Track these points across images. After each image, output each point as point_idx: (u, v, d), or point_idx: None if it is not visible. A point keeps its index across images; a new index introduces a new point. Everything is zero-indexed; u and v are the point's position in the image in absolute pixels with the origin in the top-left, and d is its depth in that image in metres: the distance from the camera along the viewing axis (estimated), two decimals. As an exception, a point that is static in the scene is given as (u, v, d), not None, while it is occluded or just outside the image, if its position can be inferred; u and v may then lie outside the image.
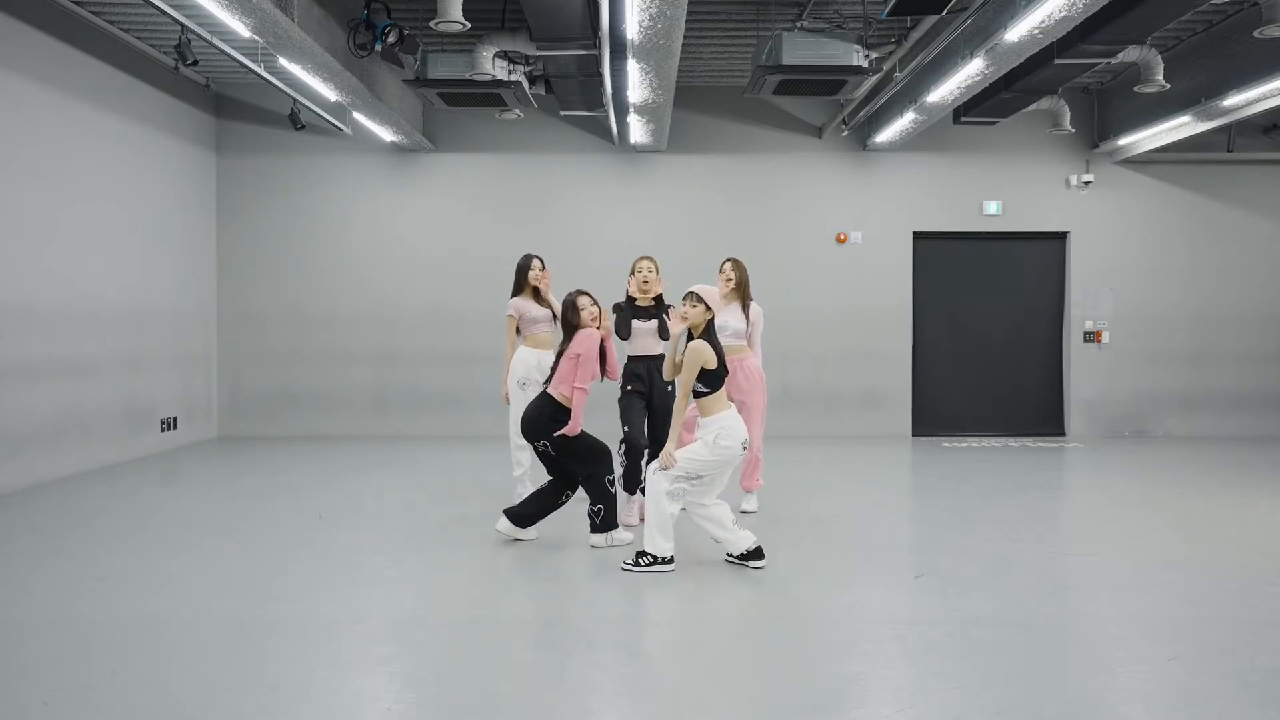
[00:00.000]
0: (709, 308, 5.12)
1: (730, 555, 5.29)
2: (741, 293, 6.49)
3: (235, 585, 4.87)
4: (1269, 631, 4.11)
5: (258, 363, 11.00)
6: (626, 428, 6.05)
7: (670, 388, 5.99)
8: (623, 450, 6.07)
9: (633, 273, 6.28)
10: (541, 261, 6.64)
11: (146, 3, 6.78)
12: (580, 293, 5.77)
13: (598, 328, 5.66)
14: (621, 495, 6.10)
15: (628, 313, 6.20)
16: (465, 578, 5.10)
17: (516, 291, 6.61)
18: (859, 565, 5.34)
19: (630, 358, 6.19)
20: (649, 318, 6.16)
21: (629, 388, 6.12)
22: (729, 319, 6.33)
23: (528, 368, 6.50)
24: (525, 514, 5.71)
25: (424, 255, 10.94)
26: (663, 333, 6.19)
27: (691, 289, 5.12)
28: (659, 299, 6.30)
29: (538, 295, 6.62)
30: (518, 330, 6.63)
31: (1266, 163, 11.10)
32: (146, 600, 4.60)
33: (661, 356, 6.13)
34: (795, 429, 10.83)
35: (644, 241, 9.95)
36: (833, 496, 7.33)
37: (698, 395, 5.11)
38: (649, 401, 6.13)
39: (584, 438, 5.58)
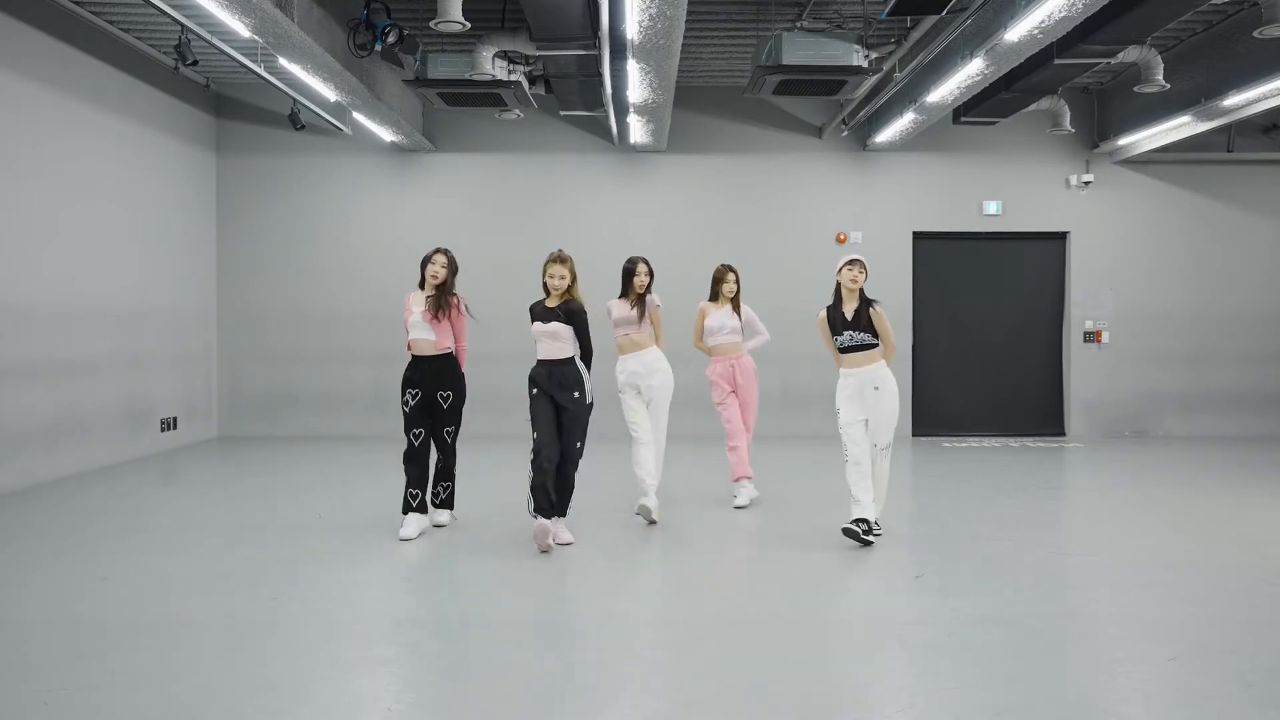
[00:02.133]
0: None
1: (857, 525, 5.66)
2: (736, 297, 6.96)
3: (235, 585, 4.87)
4: (1269, 631, 4.11)
5: (258, 363, 10.99)
6: (535, 434, 5.58)
7: (578, 396, 5.56)
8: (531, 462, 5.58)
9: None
10: (647, 265, 6.40)
11: (146, 3, 6.78)
12: (438, 251, 6.12)
13: (444, 289, 6.01)
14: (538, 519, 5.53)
15: (531, 316, 5.72)
16: (464, 578, 5.10)
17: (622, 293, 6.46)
18: (859, 565, 5.33)
19: (538, 360, 5.69)
20: (550, 319, 5.62)
21: (534, 391, 5.65)
22: (725, 320, 6.86)
23: (626, 373, 6.37)
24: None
25: (424, 255, 10.91)
26: (584, 355, 5.65)
27: (858, 258, 5.66)
28: (567, 300, 5.87)
29: (640, 300, 6.39)
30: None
31: (1266, 163, 11.10)
32: (146, 600, 4.59)
33: (568, 361, 5.58)
34: (796, 429, 10.83)
35: (644, 242, 9.95)
36: (832, 497, 7.31)
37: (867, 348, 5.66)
38: (556, 407, 5.59)
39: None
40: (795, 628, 4.25)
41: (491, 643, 4.04)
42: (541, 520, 5.44)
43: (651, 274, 6.41)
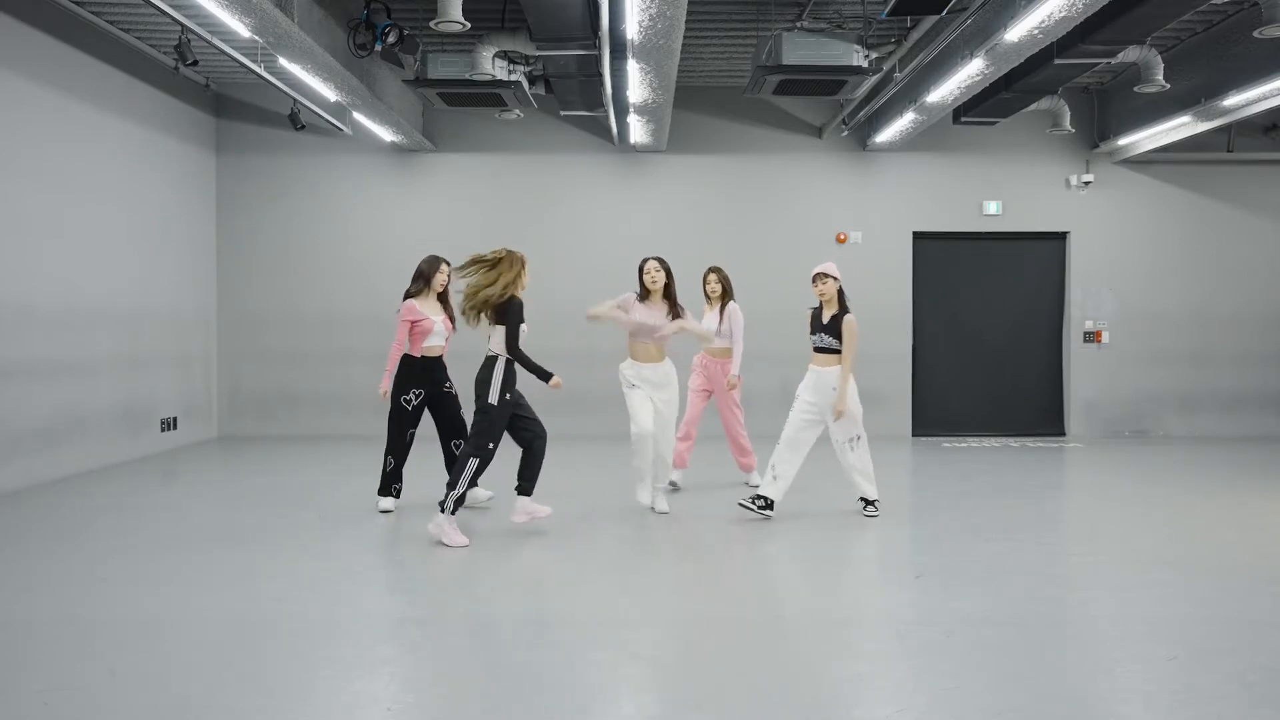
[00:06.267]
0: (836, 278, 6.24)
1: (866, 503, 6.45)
2: (724, 299, 7.26)
3: (235, 585, 4.87)
4: (1269, 631, 4.12)
5: (258, 363, 10.99)
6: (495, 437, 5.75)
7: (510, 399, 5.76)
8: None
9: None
10: (658, 263, 6.41)
11: (146, 3, 6.78)
12: (445, 261, 6.52)
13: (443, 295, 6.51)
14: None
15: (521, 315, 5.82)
16: (465, 577, 5.10)
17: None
18: (859, 565, 5.33)
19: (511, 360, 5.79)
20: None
21: (507, 398, 5.74)
22: (716, 324, 7.19)
23: (641, 379, 6.39)
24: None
25: (424, 255, 10.91)
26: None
27: (821, 269, 6.20)
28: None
29: (667, 300, 6.43)
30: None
31: (1266, 163, 11.10)
32: (146, 600, 4.59)
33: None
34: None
35: (644, 242, 9.94)
36: (832, 497, 7.31)
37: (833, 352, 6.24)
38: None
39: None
40: (795, 627, 4.25)
41: (491, 643, 4.05)
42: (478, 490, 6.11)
43: (669, 272, 6.45)
